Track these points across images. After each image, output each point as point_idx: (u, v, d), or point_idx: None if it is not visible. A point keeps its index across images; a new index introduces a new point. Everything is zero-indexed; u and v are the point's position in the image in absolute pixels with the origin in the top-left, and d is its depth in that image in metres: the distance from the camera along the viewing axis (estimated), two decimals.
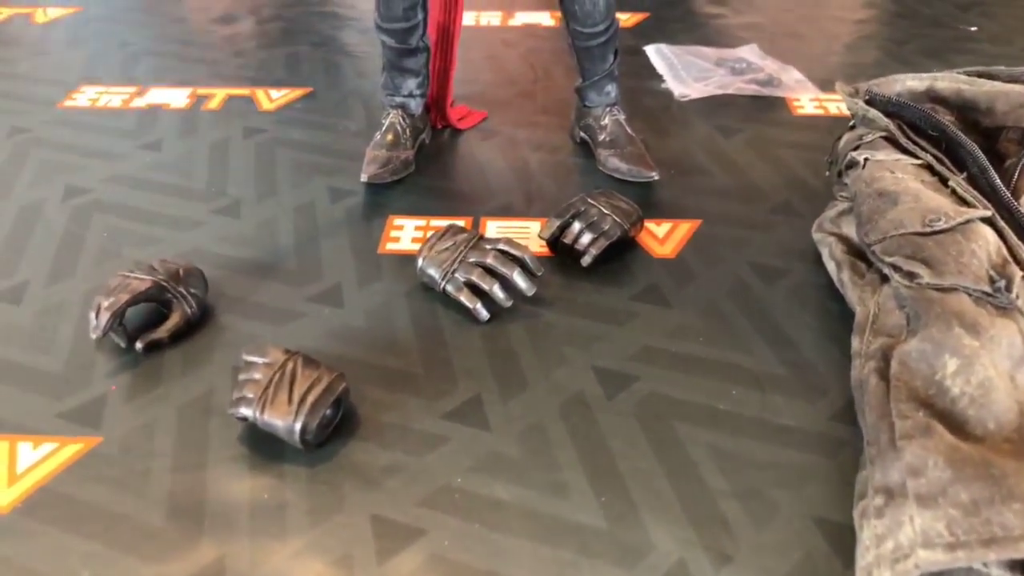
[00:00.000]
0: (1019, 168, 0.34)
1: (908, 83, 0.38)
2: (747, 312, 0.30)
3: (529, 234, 0.34)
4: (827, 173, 0.36)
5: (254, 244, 0.33)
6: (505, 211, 0.35)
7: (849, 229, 0.33)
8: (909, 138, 0.34)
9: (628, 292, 0.31)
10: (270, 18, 0.53)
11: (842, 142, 0.35)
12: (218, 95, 0.44)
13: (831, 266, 0.32)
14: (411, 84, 0.37)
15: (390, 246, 0.33)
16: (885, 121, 0.35)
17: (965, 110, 0.37)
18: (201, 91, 0.45)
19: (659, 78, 0.45)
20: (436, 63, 0.38)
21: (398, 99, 0.37)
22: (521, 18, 0.54)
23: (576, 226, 0.31)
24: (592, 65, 0.36)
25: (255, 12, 0.54)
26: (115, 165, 0.38)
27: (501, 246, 0.29)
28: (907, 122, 0.35)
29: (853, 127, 0.37)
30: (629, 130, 0.37)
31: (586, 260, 0.31)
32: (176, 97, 0.44)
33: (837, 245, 0.32)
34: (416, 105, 0.37)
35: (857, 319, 0.30)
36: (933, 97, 0.38)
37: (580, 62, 0.36)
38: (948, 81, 0.38)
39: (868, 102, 0.36)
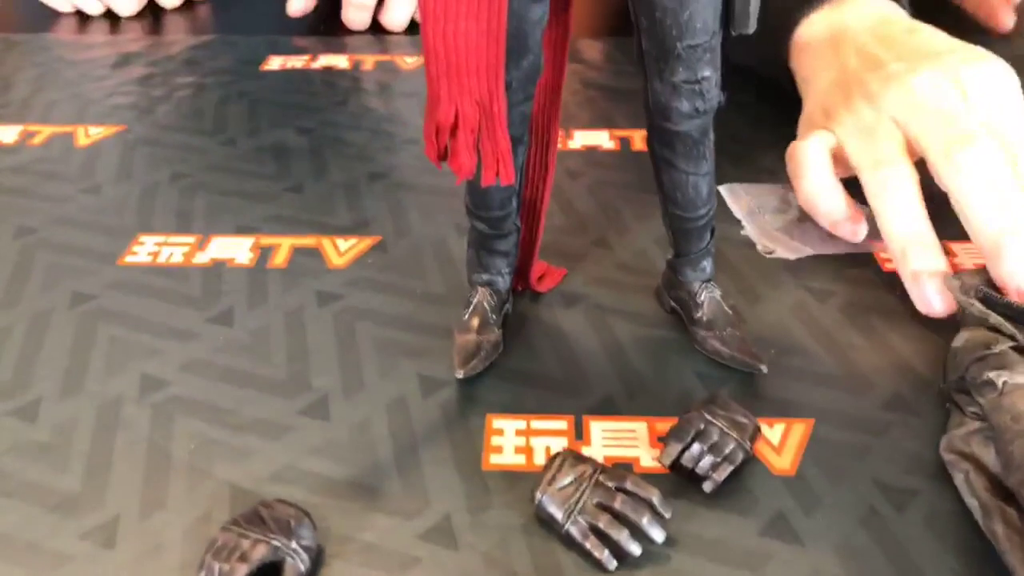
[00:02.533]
0: None
1: (983, 275, 0.37)
2: (884, 549, 0.28)
3: (636, 438, 0.32)
4: (941, 385, 0.35)
5: (350, 458, 0.31)
6: (607, 407, 0.34)
7: (983, 454, 0.32)
8: None
9: (755, 524, 0.29)
10: (319, 141, 0.52)
11: (960, 343, 0.34)
12: (283, 246, 0.43)
13: (972, 503, 0.31)
14: (500, 264, 0.35)
15: (494, 459, 0.31)
16: (1011, 330, 0.33)
17: None
18: (264, 241, 0.43)
19: (738, 223, 0.44)
20: (523, 234, 0.36)
21: (486, 277, 0.35)
22: (580, 138, 0.52)
23: (696, 448, 0.30)
24: (688, 244, 0.35)
25: (303, 133, 0.53)
26: (188, 347, 0.36)
27: (627, 485, 0.28)
28: None
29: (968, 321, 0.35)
30: (727, 308, 0.35)
31: (708, 487, 0.29)
32: (239, 250, 0.42)
33: (977, 479, 0.31)
34: (504, 282, 0.36)
35: None
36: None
37: (675, 239, 0.35)
38: None
39: (982, 301, 0.35)
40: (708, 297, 0.35)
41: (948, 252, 0.41)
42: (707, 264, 0.35)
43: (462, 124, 0.27)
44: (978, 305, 0.34)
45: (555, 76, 0.32)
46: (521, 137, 0.31)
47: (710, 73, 0.29)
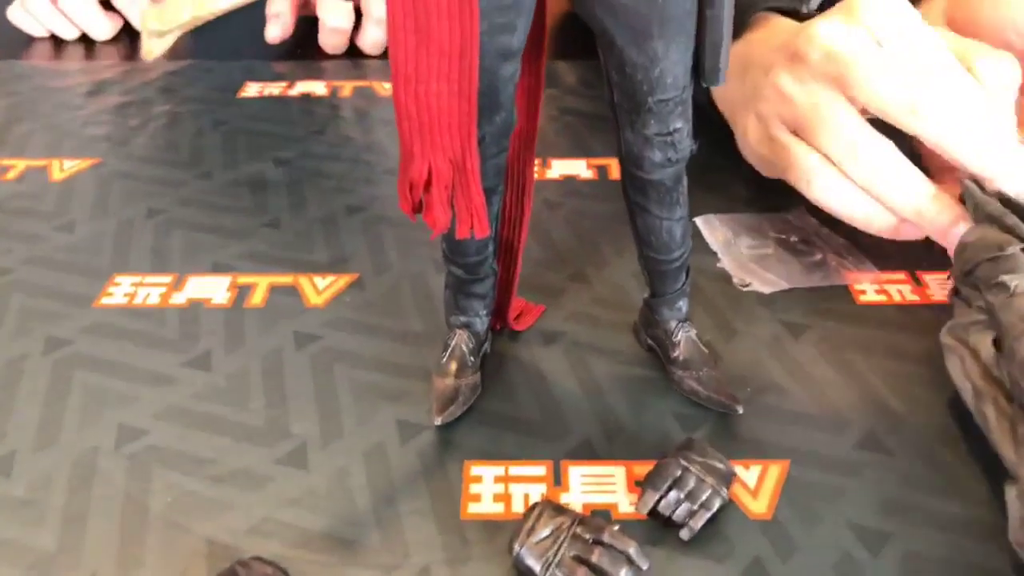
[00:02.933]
0: None
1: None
2: None
3: (615, 483, 0.32)
4: (948, 278, 0.36)
5: (328, 508, 0.31)
6: (585, 451, 0.34)
7: (980, 343, 0.32)
8: None
9: (732, 571, 0.29)
10: (297, 173, 0.52)
11: (972, 239, 0.34)
12: (260, 285, 0.42)
13: (965, 386, 0.31)
14: (477, 306, 0.35)
15: (473, 508, 0.31)
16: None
17: None
18: (241, 280, 0.43)
19: (715, 255, 0.44)
20: (500, 275, 0.36)
21: (463, 319, 0.35)
22: (558, 168, 0.52)
23: (672, 496, 0.30)
24: (664, 285, 0.35)
25: (281, 164, 0.53)
26: (164, 393, 0.36)
27: (605, 538, 0.28)
28: None
29: (978, 220, 0.35)
30: (703, 347, 0.35)
31: (685, 535, 0.29)
32: (216, 289, 0.42)
33: (973, 365, 0.31)
34: (482, 323, 0.36)
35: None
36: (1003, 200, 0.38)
37: (651, 280, 0.35)
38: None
39: (1001, 200, 0.35)
40: (684, 336, 0.35)
41: (920, 282, 0.42)
42: (683, 304, 0.35)
43: (435, 180, 0.27)
44: (996, 203, 0.35)
45: (529, 123, 0.33)
46: (496, 187, 0.31)
47: (682, 125, 0.29)
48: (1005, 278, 0.32)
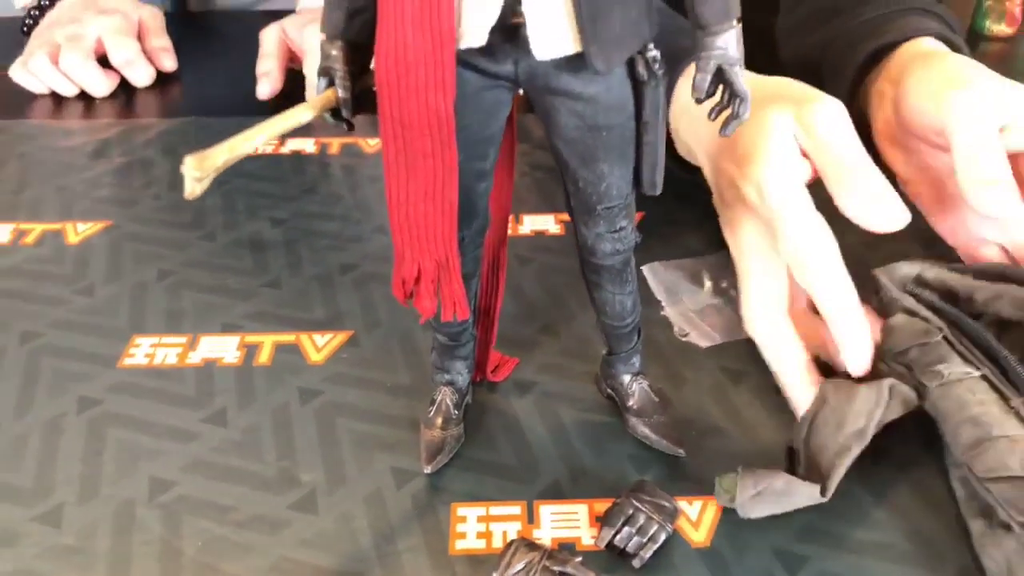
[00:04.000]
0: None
1: (905, 268, 0.44)
2: None
3: (579, 519, 0.38)
4: (882, 364, 0.40)
5: (337, 548, 0.37)
6: (554, 491, 0.39)
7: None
8: (964, 345, 0.38)
9: None
10: (292, 233, 0.57)
11: (897, 323, 0.40)
12: (266, 344, 0.48)
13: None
14: (460, 366, 0.41)
15: (459, 544, 0.37)
16: (939, 323, 0.39)
17: (948, 296, 0.42)
18: (249, 338, 0.48)
19: (659, 303, 0.50)
20: (479, 335, 0.42)
21: (447, 377, 0.41)
22: (529, 223, 0.58)
23: (626, 531, 0.36)
24: (619, 345, 0.40)
25: (277, 224, 0.58)
26: (188, 448, 0.41)
27: (569, 570, 0.34)
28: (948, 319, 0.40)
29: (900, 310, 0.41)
30: (654, 396, 0.41)
31: (636, 563, 0.35)
32: (226, 349, 0.47)
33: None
34: (464, 379, 0.41)
35: None
36: (922, 282, 0.44)
37: (608, 340, 0.41)
38: (934, 271, 0.43)
39: (916, 298, 0.41)
40: (638, 388, 0.41)
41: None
42: (636, 360, 0.41)
43: (423, 277, 0.32)
44: (910, 300, 0.41)
45: (501, 215, 0.38)
46: (474, 272, 0.37)
47: (626, 223, 0.35)
48: (938, 367, 0.38)
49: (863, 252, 0.47)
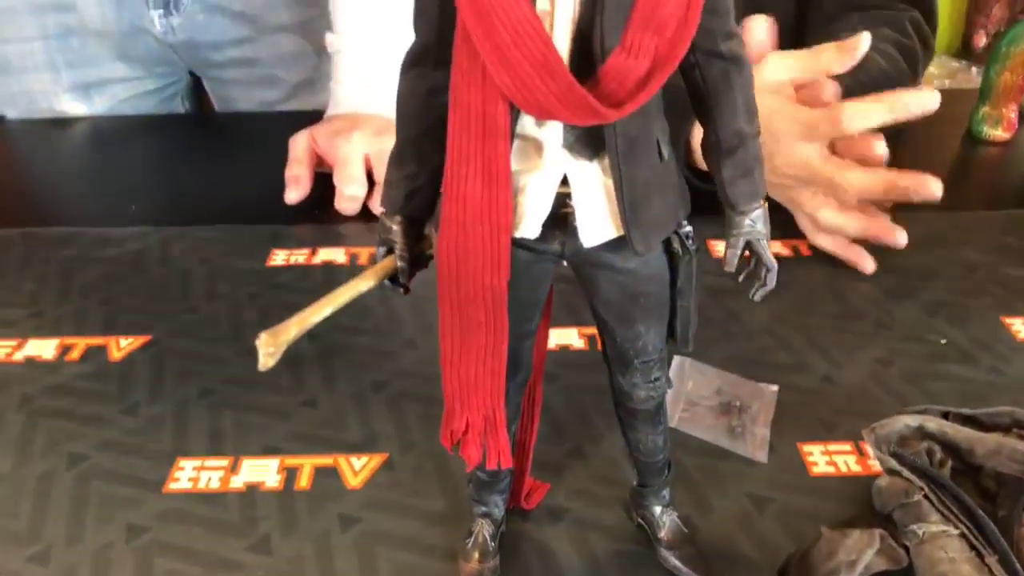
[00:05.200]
0: (1015, 521, 0.41)
1: (905, 420, 0.46)
2: None
3: None
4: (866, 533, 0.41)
5: None
6: None
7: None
8: (944, 503, 0.40)
9: None
10: (327, 348, 0.59)
11: (883, 484, 0.42)
12: (305, 467, 0.49)
13: None
14: (496, 499, 0.42)
15: None
16: (920, 483, 0.41)
17: (949, 448, 0.45)
18: (288, 461, 0.49)
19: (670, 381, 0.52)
20: (514, 465, 0.44)
21: (484, 509, 0.42)
22: (553, 337, 0.60)
23: None
24: (650, 478, 0.42)
25: (312, 339, 0.60)
26: None
27: None
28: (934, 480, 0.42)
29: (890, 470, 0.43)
30: (684, 528, 0.43)
31: None
32: (267, 472, 0.49)
33: None
34: (500, 511, 0.43)
35: None
36: (925, 435, 0.46)
37: (639, 473, 0.43)
38: (935, 423, 0.46)
39: (895, 457, 0.43)
40: (669, 520, 0.43)
41: (863, 452, 0.49)
42: (666, 492, 0.43)
43: (471, 430, 0.35)
44: (893, 461, 0.42)
45: (539, 354, 0.40)
46: (515, 417, 0.39)
47: (660, 374, 0.37)
48: (913, 527, 0.40)
49: None
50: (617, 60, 0.26)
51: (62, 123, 0.96)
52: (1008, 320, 0.60)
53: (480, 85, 0.27)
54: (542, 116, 0.28)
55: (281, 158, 0.79)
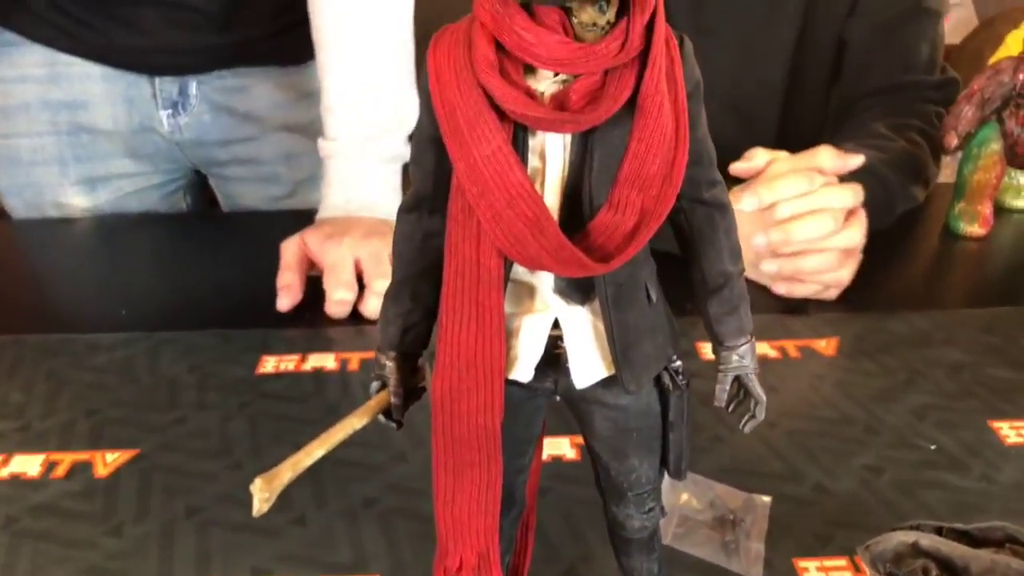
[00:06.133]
0: None
1: (900, 537, 0.46)
2: None
3: None
4: None
5: None
6: None
7: None
8: None
9: None
10: (316, 461, 0.59)
11: None
12: None
13: None
14: None
15: None
16: None
17: (945, 565, 0.45)
18: None
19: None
20: None
21: None
22: (546, 447, 0.60)
23: None
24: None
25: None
26: None
27: None
28: None
29: None
30: None
31: None
32: None
33: None
34: None
35: None
36: (920, 552, 0.46)
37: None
38: (930, 540, 0.46)
39: None
40: None
41: (859, 567, 0.49)
42: None
43: (464, 567, 0.34)
44: None
45: (531, 487, 0.40)
46: (508, 549, 0.39)
47: (653, 504, 0.37)
48: None
49: None
50: (605, 217, 0.27)
51: (62, 222, 0.97)
52: (995, 424, 0.60)
53: (475, 238, 0.28)
54: (534, 268, 0.28)
55: (275, 258, 0.80)
